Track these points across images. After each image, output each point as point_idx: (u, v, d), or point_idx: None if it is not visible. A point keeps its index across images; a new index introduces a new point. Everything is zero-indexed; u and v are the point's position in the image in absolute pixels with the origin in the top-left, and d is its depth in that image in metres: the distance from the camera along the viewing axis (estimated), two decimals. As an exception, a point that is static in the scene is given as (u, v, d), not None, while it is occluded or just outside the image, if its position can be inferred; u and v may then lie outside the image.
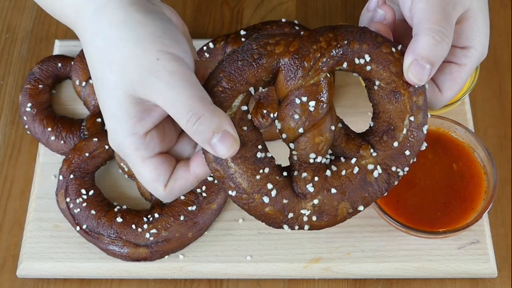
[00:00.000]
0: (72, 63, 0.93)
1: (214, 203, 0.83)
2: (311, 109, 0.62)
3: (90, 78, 0.91)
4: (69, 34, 0.99)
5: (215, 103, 0.61)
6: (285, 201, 0.63)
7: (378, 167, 0.64)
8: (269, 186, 0.63)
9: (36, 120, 0.89)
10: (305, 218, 0.64)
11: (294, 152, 0.64)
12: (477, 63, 0.69)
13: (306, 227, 0.65)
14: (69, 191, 0.83)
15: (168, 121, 0.63)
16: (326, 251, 0.82)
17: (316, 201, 0.64)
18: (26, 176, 0.89)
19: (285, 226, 0.65)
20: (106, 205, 0.83)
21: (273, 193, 0.63)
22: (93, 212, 0.82)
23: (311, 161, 0.64)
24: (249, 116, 0.64)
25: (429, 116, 0.66)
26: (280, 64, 0.62)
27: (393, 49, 0.64)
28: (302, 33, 0.64)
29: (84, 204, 0.82)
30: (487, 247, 0.81)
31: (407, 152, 0.65)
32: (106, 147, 0.86)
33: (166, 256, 0.82)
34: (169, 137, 0.64)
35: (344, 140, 0.65)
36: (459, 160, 0.83)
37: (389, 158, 0.65)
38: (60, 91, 0.94)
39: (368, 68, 0.63)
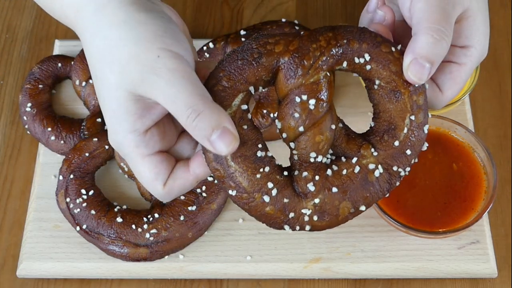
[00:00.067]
0: (72, 63, 0.93)
1: (214, 203, 0.83)
2: (311, 107, 0.62)
3: (90, 78, 0.91)
4: (69, 34, 0.99)
5: (215, 101, 0.61)
6: (285, 200, 0.63)
7: (379, 166, 0.64)
8: (270, 185, 0.63)
9: (36, 120, 0.89)
10: (306, 218, 0.64)
11: (294, 152, 0.64)
12: (477, 63, 0.69)
13: (308, 227, 0.64)
14: (69, 191, 0.83)
15: (168, 120, 0.63)
16: (326, 251, 0.82)
17: (317, 200, 0.64)
18: (26, 176, 0.89)
19: (286, 227, 0.64)
20: (106, 205, 0.83)
21: (274, 192, 0.63)
22: (93, 212, 0.82)
23: (312, 160, 0.64)
24: (249, 116, 0.64)
25: (429, 116, 0.65)
26: (280, 63, 0.63)
27: (393, 49, 0.64)
28: (302, 33, 0.64)
29: (84, 204, 0.82)
30: (487, 247, 0.81)
31: (408, 152, 0.64)
32: (106, 147, 0.86)
33: (166, 256, 0.82)
34: (169, 136, 0.64)
35: (344, 140, 0.65)
36: (459, 160, 0.83)
37: (390, 157, 0.64)
38: (60, 91, 0.94)
39: (368, 67, 0.64)
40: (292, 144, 0.64)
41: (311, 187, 0.63)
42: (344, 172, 0.64)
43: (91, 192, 0.83)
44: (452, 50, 0.67)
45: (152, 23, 0.61)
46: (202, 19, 1.01)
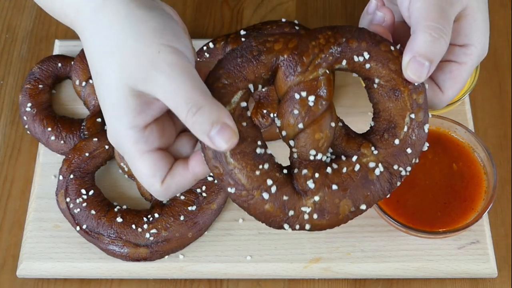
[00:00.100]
0: (72, 63, 0.93)
1: (214, 203, 0.83)
2: (311, 104, 0.62)
3: (90, 78, 0.91)
4: (69, 34, 0.99)
5: (215, 98, 0.61)
6: (285, 197, 0.63)
7: (380, 165, 0.64)
8: (269, 182, 0.62)
9: (36, 120, 0.89)
10: (306, 216, 0.63)
11: (294, 150, 0.64)
12: (478, 62, 0.69)
13: (308, 226, 0.64)
14: (69, 191, 0.83)
15: (167, 118, 0.63)
16: (326, 251, 0.82)
17: (317, 198, 0.63)
18: (26, 176, 0.89)
19: (286, 226, 0.64)
20: (106, 205, 0.83)
21: (273, 189, 0.62)
22: (93, 212, 0.82)
23: (312, 158, 0.63)
24: (249, 113, 0.64)
25: (430, 116, 0.65)
26: (279, 60, 0.63)
27: (392, 48, 0.64)
28: (301, 32, 0.64)
29: (84, 204, 0.82)
30: (487, 247, 0.81)
31: (409, 150, 0.64)
32: (106, 147, 0.86)
33: (166, 256, 0.82)
34: (168, 133, 0.63)
35: (344, 139, 0.65)
36: (459, 160, 0.83)
37: (391, 156, 0.64)
38: (60, 91, 0.94)
39: (367, 66, 0.64)
40: (291, 142, 0.64)
41: (310, 184, 0.63)
42: (344, 170, 0.64)
43: (91, 192, 0.83)
44: (451, 49, 0.67)
45: (152, 19, 0.61)
46: (202, 19, 1.01)
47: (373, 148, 0.64)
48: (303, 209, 0.63)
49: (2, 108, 0.94)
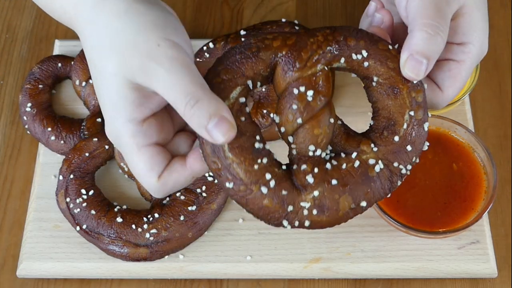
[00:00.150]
0: (72, 63, 0.93)
1: (214, 203, 0.83)
2: (309, 98, 0.62)
3: (90, 78, 0.91)
4: (69, 34, 0.99)
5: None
6: (284, 192, 0.62)
7: (380, 162, 0.64)
8: (268, 176, 0.62)
9: (36, 120, 0.89)
10: (306, 212, 0.63)
11: (293, 146, 0.64)
12: (477, 60, 0.69)
13: (307, 222, 0.63)
14: (69, 191, 0.83)
15: (166, 114, 0.63)
16: (326, 251, 0.82)
17: (316, 193, 0.63)
18: (26, 176, 0.89)
19: (285, 222, 0.63)
20: (106, 205, 0.83)
21: (272, 183, 0.62)
22: (93, 212, 0.82)
23: (311, 154, 0.63)
24: (247, 109, 0.63)
25: (429, 115, 0.65)
26: (278, 57, 0.63)
27: (390, 47, 0.65)
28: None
29: (84, 204, 0.82)
30: (487, 247, 0.81)
31: (409, 148, 0.64)
32: (106, 147, 0.86)
33: (166, 256, 0.82)
34: (166, 129, 0.63)
35: (343, 138, 0.65)
36: (459, 160, 0.83)
37: (391, 153, 0.64)
38: (60, 91, 0.94)
39: (366, 64, 0.64)
40: (290, 138, 0.64)
41: (310, 179, 0.62)
42: (344, 166, 0.64)
43: (91, 192, 0.83)
44: (449, 48, 0.67)
45: (152, 13, 0.61)
46: (202, 19, 1.01)
47: (372, 145, 0.64)
48: (302, 204, 0.63)
49: (2, 108, 0.94)
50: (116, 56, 0.60)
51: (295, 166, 0.63)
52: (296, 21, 0.93)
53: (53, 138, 0.88)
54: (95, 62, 0.62)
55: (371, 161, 0.64)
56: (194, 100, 0.58)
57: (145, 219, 0.82)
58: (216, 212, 0.83)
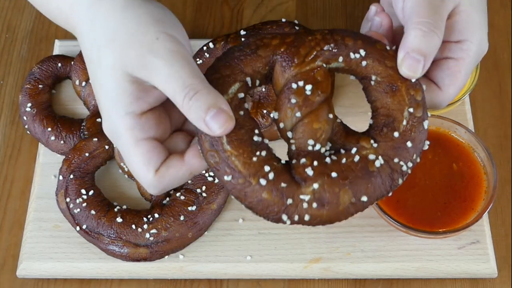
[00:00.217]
0: (72, 63, 0.93)
1: (214, 203, 0.83)
2: (308, 93, 0.63)
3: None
4: (69, 34, 0.99)
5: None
6: (283, 184, 0.61)
7: (380, 157, 0.63)
8: (266, 168, 0.61)
9: (36, 120, 0.89)
10: (305, 205, 0.61)
11: (292, 141, 0.63)
12: (476, 58, 0.68)
13: (307, 216, 0.62)
14: (69, 191, 0.83)
15: (164, 111, 0.63)
16: (326, 251, 0.82)
17: (316, 186, 0.61)
18: (26, 176, 0.89)
19: (284, 217, 0.62)
20: (106, 205, 0.83)
21: (271, 176, 0.61)
22: (93, 212, 0.82)
23: (310, 148, 0.63)
24: (246, 105, 0.63)
25: (429, 115, 0.65)
26: (276, 55, 0.64)
27: (387, 47, 0.65)
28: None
29: (84, 204, 0.82)
30: (487, 247, 0.81)
31: (409, 144, 0.64)
32: (106, 147, 0.86)
33: (166, 256, 0.82)
34: (164, 126, 0.63)
35: (343, 135, 0.65)
36: (459, 160, 0.83)
37: (390, 149, 0.63)
38: (60, 91, 0.94)
39: (364, 63, 0.64)
40: (289, 134, 0.64)
41: (309, 171, 0.62)
42: (344, 161, 0.63)
43: (91, 192, 0.83)
44: (448, 46, 0.67)
45: (151, 8, 0.62)
46: (202, 19, 1.01)
47: (372, 141, 0.64)
48: (301, 197, 0.61)
49: (2, 108, 0.94)
50: (114, 50, 0.60)
51: (294, 161, 0.63)
52: (296, 21, 0.93)
53: (53, 138, 0.88)
54: (93, 58, 0.62)
55: (371, 157, 0.63)
56: (192, 91, 0.58)
57: (145, 219, 0.82)
58: (216, 212, 0.83)
